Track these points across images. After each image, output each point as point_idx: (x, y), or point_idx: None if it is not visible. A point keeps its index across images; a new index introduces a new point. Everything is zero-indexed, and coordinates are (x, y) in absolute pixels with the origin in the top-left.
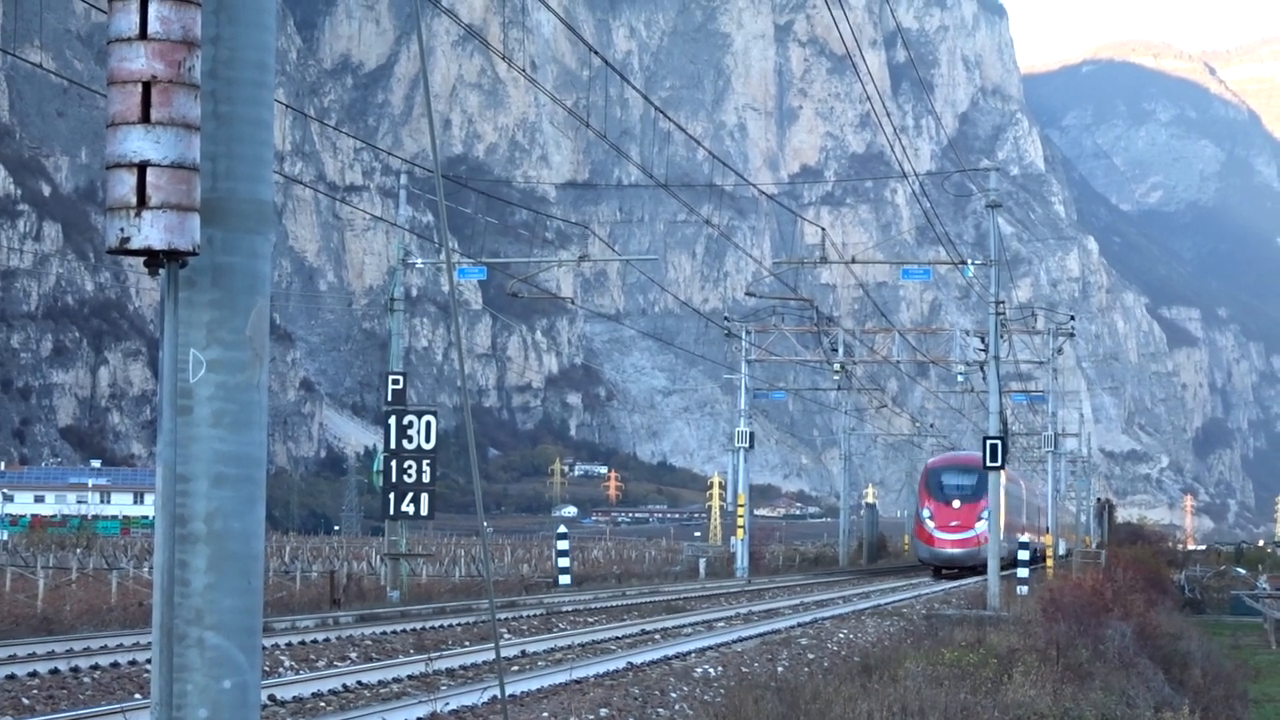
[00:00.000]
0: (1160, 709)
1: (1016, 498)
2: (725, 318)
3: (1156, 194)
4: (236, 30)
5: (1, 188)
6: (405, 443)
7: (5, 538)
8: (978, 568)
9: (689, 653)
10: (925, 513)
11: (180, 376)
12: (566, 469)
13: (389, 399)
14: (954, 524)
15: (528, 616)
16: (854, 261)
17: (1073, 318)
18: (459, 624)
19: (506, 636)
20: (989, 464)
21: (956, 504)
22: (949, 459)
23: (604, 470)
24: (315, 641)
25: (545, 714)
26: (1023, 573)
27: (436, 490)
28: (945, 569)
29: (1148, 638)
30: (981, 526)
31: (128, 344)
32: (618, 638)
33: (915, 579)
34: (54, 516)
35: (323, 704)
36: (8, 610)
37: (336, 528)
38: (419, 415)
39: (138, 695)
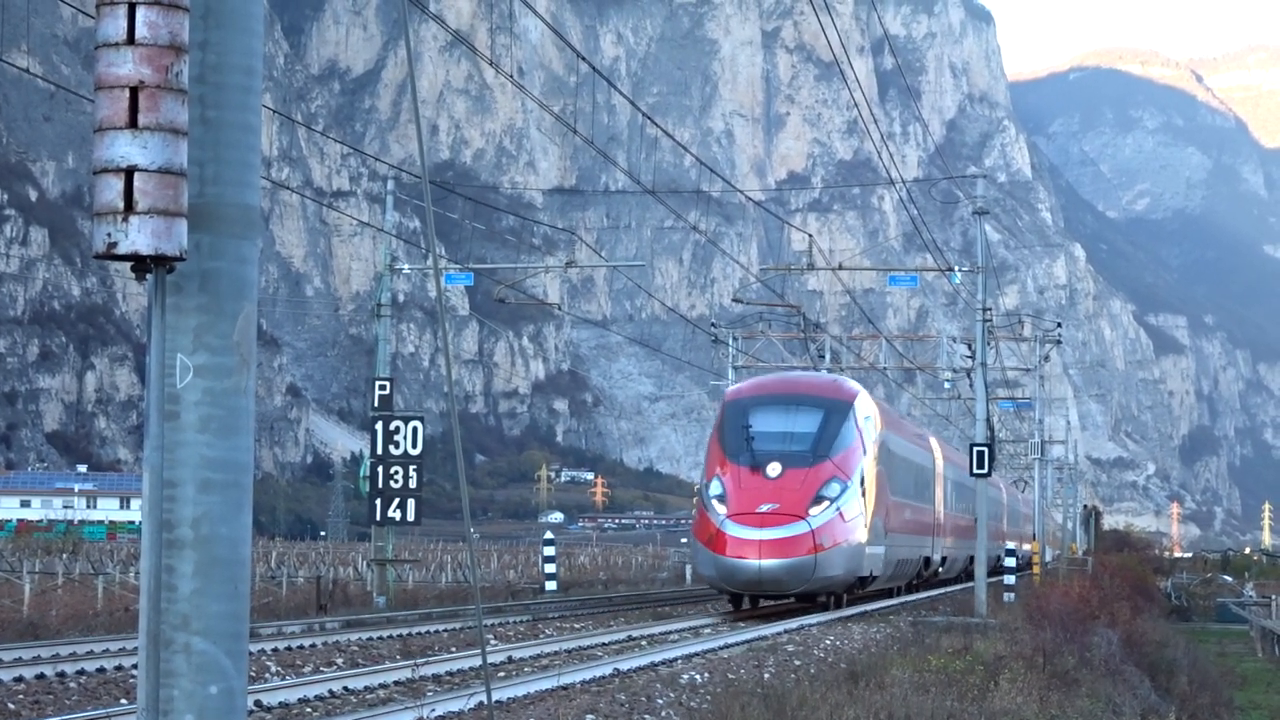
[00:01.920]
0: (1146, 716)
1: (1000, 503)
2: (712, 324)
3: (1143, 201)
4: (224, 35)
5: None
6: (392, 448)
7: None
8: (819, 597)
9: (675, 659)
10: (713, 490)
11: (167, 382)
12: (553, 475)
13: (375, 404)
14: (766, 509)
15: (514, 622)
16: (841, 268)
17: (1059, 325)
18: (445, 630)
19: (493, 642)
20: (976, 471)
21: (774, 470)
22: (764, 385)
23: (590, 476)
24: (301, 647)
25: None
26: (1009, 580)
27: (423, 496)
28: (759, 597)
29: (1134, 645)
30: (825, 514)
31: (114, 349)
32: (604, 644)
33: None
34: (40, 521)
35: (309, 709)
36: None
37: (323, 533)
38: (406, 421)
39: (124, 701)
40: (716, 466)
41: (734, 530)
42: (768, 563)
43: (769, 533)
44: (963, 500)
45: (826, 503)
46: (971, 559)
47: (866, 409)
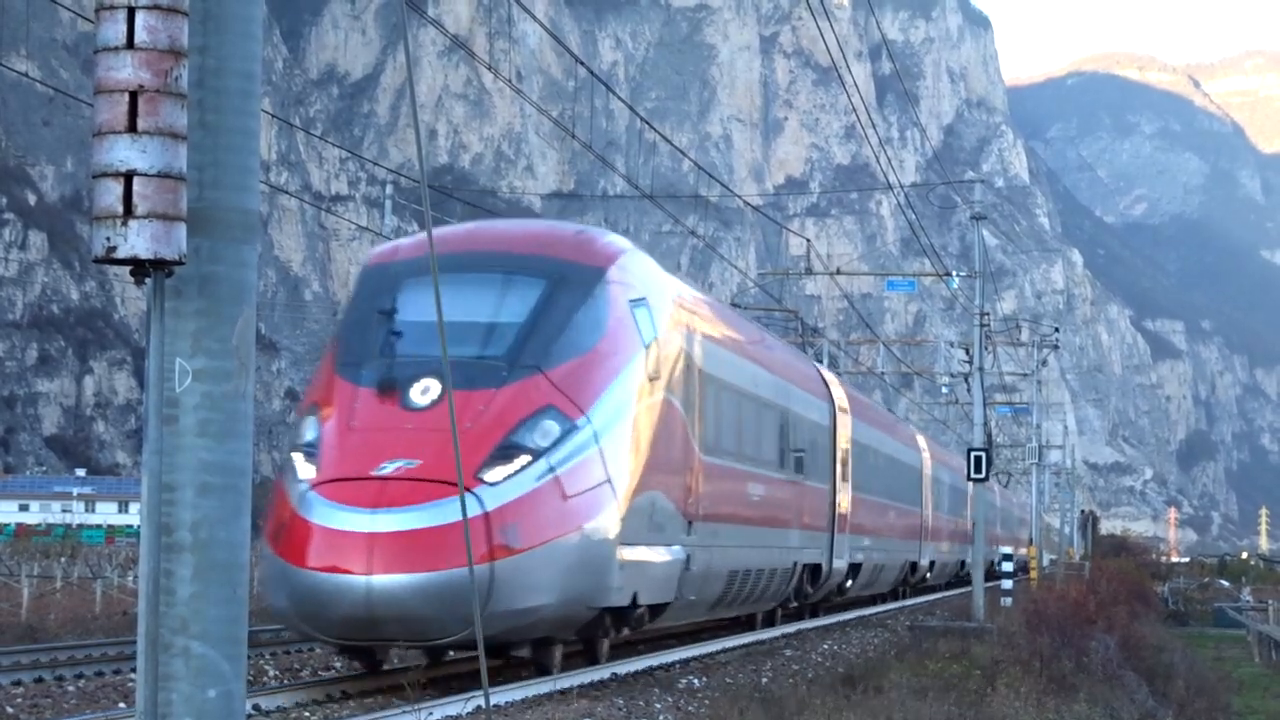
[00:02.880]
0: None
1: (967, 493)
2: None
3: (1141, 206)
4: (223, 40)
5: None
6: None
7: None
8: (517, 649)
9: (673, 663)
10: (304, 434)
11: (166, 386)
12: None
13: None
14: (394, 469)
15: None
16: (839, 273)
17: (1057, 330)
18: None
19: None
20: (973, 476)
21: (423, 393)
22: (438, 241)
23: None
24: (299, 650)
25: None
26: (1007, 584)
27: None
28: (372, 644)
29: (1131, 650)
30: (521, 481)
31: (113, 353)
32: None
33: None
34: (39, 525)
35: (306, 713)
36: None
37: None
38: None
39: (122, 704)
40: (319, 391)
41: (322, 514)
42: (386, 581)
43: (391, 518)
44: (895, 480)
45: (526, 458)
46: (914, 566)
47: (641, 286)
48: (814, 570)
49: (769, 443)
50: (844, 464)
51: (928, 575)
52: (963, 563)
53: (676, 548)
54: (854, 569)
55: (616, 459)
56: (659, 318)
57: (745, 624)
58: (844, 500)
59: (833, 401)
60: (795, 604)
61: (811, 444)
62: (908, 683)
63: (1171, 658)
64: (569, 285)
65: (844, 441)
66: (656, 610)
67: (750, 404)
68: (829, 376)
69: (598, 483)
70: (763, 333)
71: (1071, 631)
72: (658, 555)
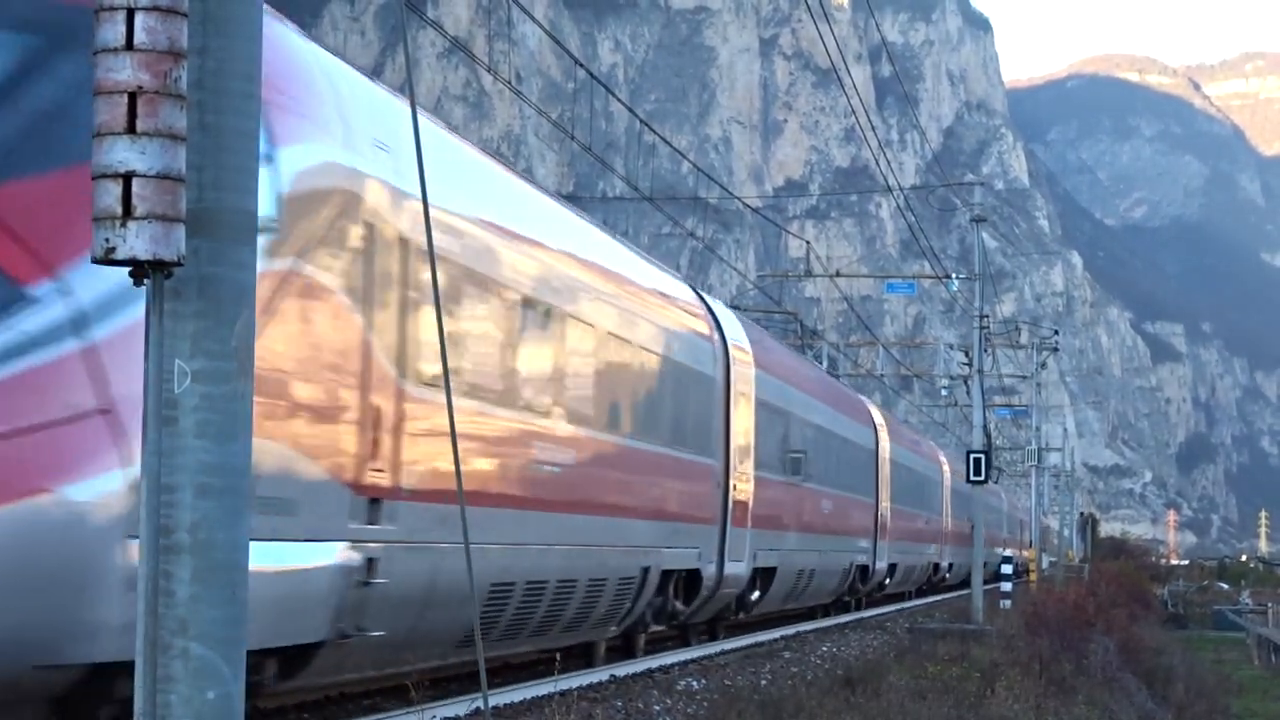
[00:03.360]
0: None
1: (938, 484)
2: None
3: (1141, 209)
4: (223, 42)
5: None
6: None
7: None
8: None
9: (672, 665)
10: None
11: (165, 387)
12: None
13: None
14: None
15: None
16: (838, 275)
17: (1056, 332)
18: None
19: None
20: (973, 478)
21: None
22: None
23: None
24: None
25: None
26: (1006, 586)
27: None
28: None
29: (1131, 652)
30: None
31: None
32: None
33: None
34: None
35: (305, 715)
36: None
37: None
38: None
39: None
40: None
41: None
42: None
43: None
44: (835, 461)
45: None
46: (866, 571)
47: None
48: (692, 578)
49: (584, 385)
50: (745, 433)
51: (886, 582)
52: (936, 566)
53: (333, 545)
54: (765, 575)
55: (136, 366)
56: (299, 125)
57: (582, 657)
58: (744, 483)
59: (725, 343)
60: (660, 627)
61: (680, 398)
62: (906, 685)
63: (1171, 660)
64: (63, 40)
65: (745, 402)
66: (293, 661)
67: (538, 316)
68: (721, 310)
69: (77, 411)
70: (582, 218)
71: (1071, 634)
72: (270, 560)
